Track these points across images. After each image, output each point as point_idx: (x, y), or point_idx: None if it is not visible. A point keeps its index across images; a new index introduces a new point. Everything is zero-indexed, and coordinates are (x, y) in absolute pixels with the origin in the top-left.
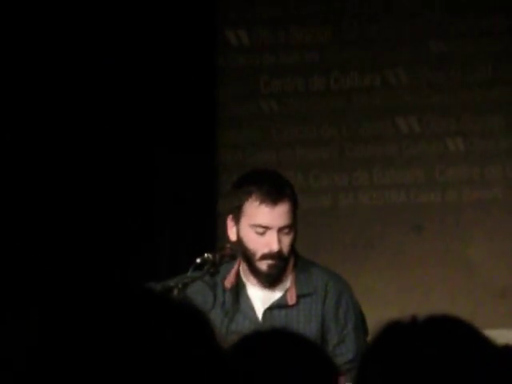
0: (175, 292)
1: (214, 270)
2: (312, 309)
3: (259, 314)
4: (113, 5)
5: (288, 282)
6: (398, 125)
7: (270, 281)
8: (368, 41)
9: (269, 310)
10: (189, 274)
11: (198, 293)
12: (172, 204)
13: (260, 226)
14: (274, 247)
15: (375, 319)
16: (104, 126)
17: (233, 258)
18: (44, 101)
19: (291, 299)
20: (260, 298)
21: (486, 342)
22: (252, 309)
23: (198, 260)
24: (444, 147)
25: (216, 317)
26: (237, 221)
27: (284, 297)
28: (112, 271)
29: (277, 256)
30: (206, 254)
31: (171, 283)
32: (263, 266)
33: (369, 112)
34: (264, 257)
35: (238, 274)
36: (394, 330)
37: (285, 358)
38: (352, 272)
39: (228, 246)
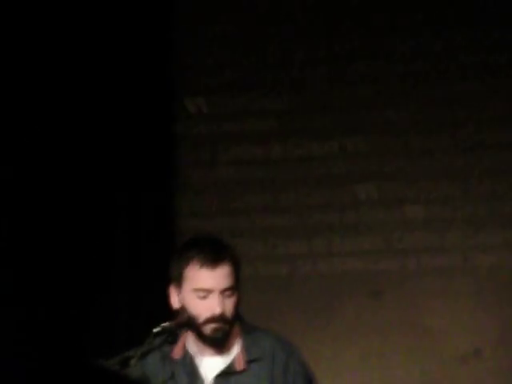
0: (133, 362)
1: (172, 339)
2: (261, 373)
3: (208, 382)
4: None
5: (236, 348)
6: (357, 192)
7: (215, 345)
8: (326, 108)
9: (217, 378)
10: (146, 343)
11: (154, 364)
12: (129, 268)
13: (202, 289)
14: (217, 310)
15: None
16: (63, 193)
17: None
18: None
19: (239, 365)
20: (209, 367)
21: None
22: (201, 378)
23: (156, 329)
24: (402, 214)
25: None
26: (179, 288)
27: (232, 363)
28: (68, 339)
29: (220, 319)
30: (163, 324)
31: (129, 353)
32: (207, 330)
33: (327, 179)
34: (207, 321)
35: (185, 345)
36: None
37: None
38: (311, 340)
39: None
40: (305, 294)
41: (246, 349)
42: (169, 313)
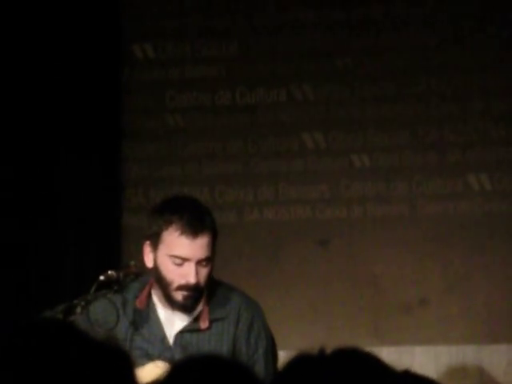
0: (78, 310)
1: (118, 287)
2: (224, 332)
3: (170, 337)
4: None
5: (200, 306)
6: (304, 140)
7: (183, 311)
8: (274, 56)
9: (180, 334)
10: (92, 291)
11: (100, 311)
12: (75, 218)
13: (179, 257)
14: (192, 279)
15: (282, 333)
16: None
17: (137, 275)
18: None
19: (203, 323)
20: (171, 321)
21: (389, 373)
22: (162, 331)
23: (102, 277)
24: (349, 163)
25: (119, 335)
26: (154, 248)
27: (196, 321)
28: (13, 291)
29: (193, 288)
30: (109, 272)
31: (74, 302)
32: (178, 296)
33: (274, 127)
34: (180, 288)
35: (149, 295)
36: (302, 363)
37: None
38: (256, 287)
39: (133, 263)
40: (251, 242)
41: (211, 307)
42: (114, 259)
